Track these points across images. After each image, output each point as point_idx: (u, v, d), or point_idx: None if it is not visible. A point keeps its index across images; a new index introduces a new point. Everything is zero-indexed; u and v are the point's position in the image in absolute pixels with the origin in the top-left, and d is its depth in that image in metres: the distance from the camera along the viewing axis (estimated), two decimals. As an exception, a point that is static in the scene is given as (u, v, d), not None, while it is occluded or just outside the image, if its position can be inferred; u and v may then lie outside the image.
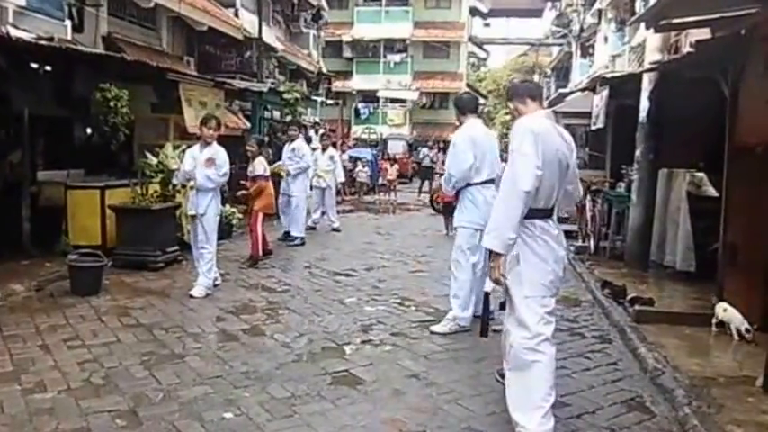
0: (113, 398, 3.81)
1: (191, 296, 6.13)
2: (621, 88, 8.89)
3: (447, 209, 11.46)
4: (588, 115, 10.12)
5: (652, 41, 7.92)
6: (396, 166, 18.44)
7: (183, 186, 6.78)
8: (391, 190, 16.83)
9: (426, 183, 19.65)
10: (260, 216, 7.94)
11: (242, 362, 4.45)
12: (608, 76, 9.37)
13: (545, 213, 3.36)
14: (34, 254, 7.38)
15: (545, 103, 17.58)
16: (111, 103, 7.49)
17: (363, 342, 5.01)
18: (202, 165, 6.32)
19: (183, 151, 7.00)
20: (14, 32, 6.98)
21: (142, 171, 7.59)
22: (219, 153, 6.44)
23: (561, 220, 9.23)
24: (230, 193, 9.08)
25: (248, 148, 8.22)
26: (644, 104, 7.84)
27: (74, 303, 5.86)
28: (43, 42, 7.11)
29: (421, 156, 23.33)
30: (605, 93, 8.83)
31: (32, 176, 7.95)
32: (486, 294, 3.88)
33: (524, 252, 3.29)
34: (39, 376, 4.11)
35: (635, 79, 8.12)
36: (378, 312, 5.89)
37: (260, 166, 8.02)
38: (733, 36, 5.28)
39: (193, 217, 6.41)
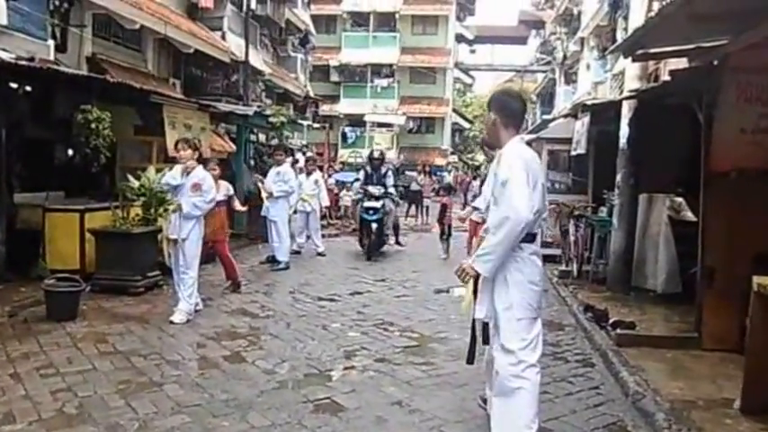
0: (86, 428, 3.72)
1: (171, 322, 6.05)
2: (602, 115, 9.02)
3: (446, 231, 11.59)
4: (571, 141, 10.25)
5: (631, 70, 8.10)
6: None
7: (165, 210, 6.66)
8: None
9: (413, 207, 19.74)
10: (226, 242, 7.80)
11: (222, 390, 4.39)
12: (589, 102, 9.53)
13: (533, 237, 3.41)
14: (9, 278, 7.21)
15: (527, 129, 17.88)
16: (93, 125, 7.41)
17: (346, 368, 4.99)
18: (188, 191, 6.25)
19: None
20: None
21: (123, 194, 7.49)
22: (207, 179, 6.40)
23: (545, 245, 9.32)
24: None
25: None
26: (624, 131, 7.97)
27: (49, 330, 5.73)
28: (22, 62, 7.02)
29: (408, 179, 23.39)
30: (586, 119, 8.97)
31: (9, 198, 7.77)
32: (474, 322, 3.88)
33: (514, 275, 3.31)
34: (8, 406, 3.98)
35: (615, 106, 8.27)
36: (361, 338, 5.87)
37: (224, 188, 7.84)
38: (706, 66, 5.43)
39: (175, 241, 6.32)
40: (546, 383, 4.72)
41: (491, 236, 3.29)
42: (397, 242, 11.97)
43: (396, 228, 11.87)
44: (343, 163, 27.67)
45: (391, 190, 11.07)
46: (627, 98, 7.70)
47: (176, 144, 6.44)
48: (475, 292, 3.49)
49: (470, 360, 3.81)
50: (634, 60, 6.55)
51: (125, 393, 4.27)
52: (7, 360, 4.91)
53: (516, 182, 3.19)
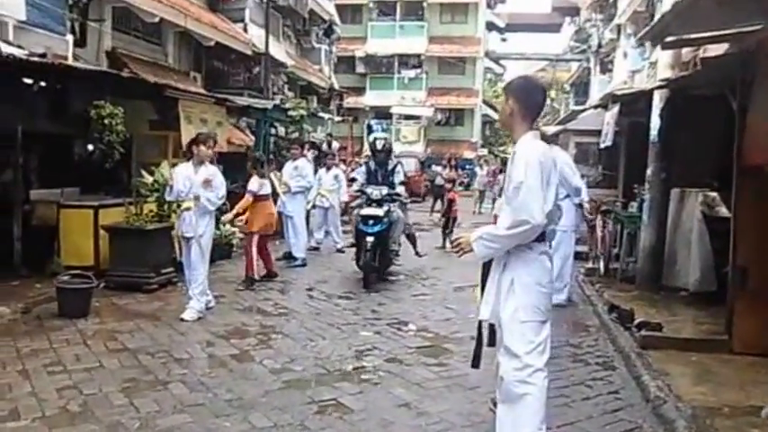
0: (88, 427, 3.71)
1: (182, 320, 6.01)
2: (634, 106, 8.71)
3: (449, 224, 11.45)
4: (600, 133, 9.93)
5: (663, 58, 7.75)
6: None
7: (178, 206, 6.61)
8: (402, 209, 16.67)
9: (439, 202, 19.52)
10: (255, 237, 7.82)
11: (227, 389, 4.33)
12: (618, 92, 9.16)
13: (542, 235, 3.24)
14: (25, 274, 7.26)
15: (558, 120, 17.45)
16: (106, 121, 7.37)
17: (356, 369, 4.86)
18: (199, 186, 6.19)
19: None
20: (5, 48, 6.89)
21: (137, 190, 7.46)
22: (217, 175, 6.35)
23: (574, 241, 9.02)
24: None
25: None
26: (655, 122, 7.65)
27: (60, 327, 5.76)
28: (34, 59, 7.02)
29: (433, 174, 23.15)
30: (615, 110, 8.65)
31: (25, 195, 7.82)
32: (480, 324, 3.72)
33: (521, 276, 3.15)
34: (14, 403, 4.02)
35: (646, 96, 7.94)
36: (374, 338, 5.74)
37: (253, 183, 7.90)
38: (740, 53, 5.11)
39: (186, 239, 6.28)
40: (563, 387, 4.60)
41: (503, 228, 3.14)
42: (417, 253, 9.59)
43: (411, 237, 9.53)
44: (368, 156, 27.48)
45: (400, 190, 8.57)
46: (656, 88, 7.37)
47: (204, 140, 6.31)
48: (482, 290, 3.33)
49: (476, 363, 3.61)
50: (663, 48, 6.23)
51: (129, 391, 4.26)
52: (17, 356, 4.95)
53: (532, 185, 3.04)
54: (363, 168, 8.95)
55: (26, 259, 7.47)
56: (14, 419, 3.80)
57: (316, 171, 10.95)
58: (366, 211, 8.11)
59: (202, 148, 6.28)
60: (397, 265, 8.93)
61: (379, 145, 8.75)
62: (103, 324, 5.93)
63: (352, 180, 9.31)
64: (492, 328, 3.33)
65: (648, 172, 7.77)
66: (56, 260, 7.34)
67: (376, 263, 8.06)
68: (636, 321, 5.93)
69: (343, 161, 13.68)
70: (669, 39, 5.64)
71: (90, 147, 8.52)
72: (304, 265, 9.42)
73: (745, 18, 4.87)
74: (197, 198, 6.16)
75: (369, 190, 8.29)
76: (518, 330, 3.13)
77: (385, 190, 8.26)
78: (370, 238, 7.90)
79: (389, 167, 8.63)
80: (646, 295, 7.36)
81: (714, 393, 4.34)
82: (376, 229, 7.93)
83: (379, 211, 8.02)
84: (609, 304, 6.78)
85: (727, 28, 4.72)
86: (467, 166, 29.38)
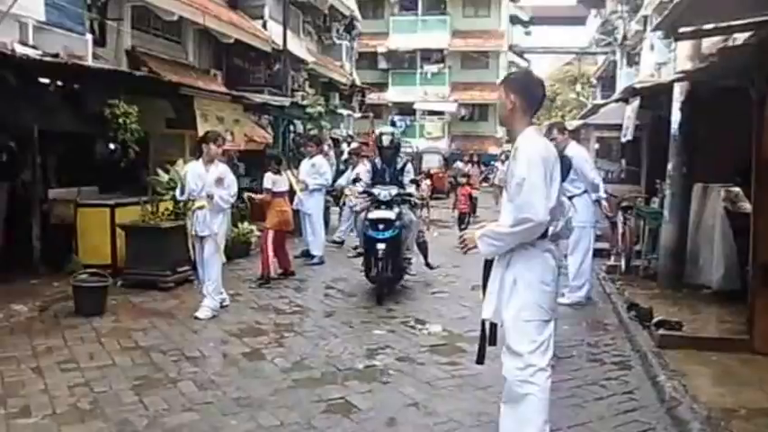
0: (97, 424, 3.77)
1: (196, 318, 6.07)
2: (656, 99, 8.53)
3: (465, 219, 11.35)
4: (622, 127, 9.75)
5: (683, 49, 7.56)
6: (427, 181, 18.19)
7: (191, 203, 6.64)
8: (424, 206, 16.60)
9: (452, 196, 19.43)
10: (270, 234, 7.86)
11: (236, 387, 4.37)
12: (637, 85, 8.98)
13: (545, 233, 3.19)
14: (44, 273, 7.38)
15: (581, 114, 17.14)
16: (120, 120, 7.43)
17: (366, 367, 4.86)
18: (212, 184, 6.23)
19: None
20: (20, 49, 7.01)
21: (153, 188, 7.51)
22: (228, 173, 6.39)
23: (594, 238, 8.89)
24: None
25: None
26: (676, 116, 7.48)
27: (76, 325, 5.86)
28: (47, 58, 7.11)
29: (456, 170, 23.02)
30: (636, 103, 8.48)
31: (44, 194, 7.94)
32: (483, 321, 3.69)
33: (524, 275, 3.11)
34: (26, 400, 4.10)
35: (667, 89, 7.76)
36: (387, 336, 5.73)
37: (267, 180, 7.96)
38: (759, 42, 4.95)
39: (200, 238, 6.30)
40: (576, 387, 4.54)
41: (506, 226, 3.11)
42: (427, 264, 8.42)
43: (423, 245, 8.39)
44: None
45: (411, 190, 7.63)
46: (674, 80, 7.20)
47: (214, 139, 6.35)
48: (484, 288, 3.29)
49: (480, 360, 3.58)
50: (677, 39, 6.07)
51: (140, 389, 4.32)
52: (32, 354, 5.05)
53: (535, 182, 3.00)
54: (368, 167, 8.04)
55: (45, 258, 7.59)
56: (25, 416, 3.88)
57: (339, 169, 10.85)
58: (375, 214, 7.09)
59: (212, 146, 6.29)
60: (411, 275, 7.88)
61: (385, 140, 7.72)
62: (118, 322, 6.03)
63: (357, 180, 8.39)
64: (493, 326, 3.28)
65: (669, 167, 7.60)
66: (74, 259, 7.43)
67: (389, 273, 7.09)
68: (654, 320, 5.82)
69: (366, 157, 13.60)
70: (687, 29, 5.52)
71: (112, 146, 8.62)
72: (322, 262, 9.42)
73: (763, 6, 4.73)
74: (210, 197, 6.19)
75: (376, 191, 7.32)
76: (521, 329, 3.11)
77: (394, 190, 7.32)
78: (381, 246, 6.90)
79: (398, 166, 7.68)
80: (667, 293, 7.21)
81: (732, 394, 4.24)
82: (388, 234, 6.96)
83: (391, 214, 7.04)
84: (628, 302, 6.67)
85: (743, 18, 4.57)
86: (491, 162, 29.12)
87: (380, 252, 6.91)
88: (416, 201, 7.99)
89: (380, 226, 7.01)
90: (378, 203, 7.23)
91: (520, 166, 3.06)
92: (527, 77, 3.44)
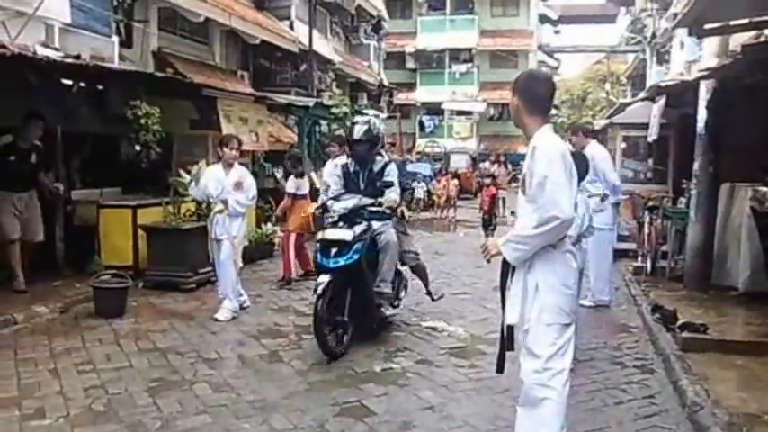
0: (110, 426, 3.79)
1: (215, 319, 6.09)
2: (683, 97, 8.38)
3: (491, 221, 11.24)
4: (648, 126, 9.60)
5: (709, 46, 7.40)
6: (455, 182, 18.16)
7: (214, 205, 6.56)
8: (450, 206, 16.59)
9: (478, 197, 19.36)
10: (292, 236, 7.92)
11: (251, 390, 4.38)
12: (662, 84, 8.82)
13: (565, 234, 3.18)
14: (67, 274, 7.40)
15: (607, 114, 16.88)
16: (142, 121, 7.45)
17: (384, 370, 4.85)
18: (230, 189, 6.24)
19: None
20: (42, 51, 7.06)
21: (175, 189, 7.49)
22: (247, 177, 6.41)
23: (621, 239, 8.78)
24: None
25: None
26: (702, 114, 7.34)
27: (95, 326, 5.88)
28: (68, 60, 7.15)
29: (483, 170, 22.93)
30: (662, 102, 8.34)
31: (68, 195, 7.92)
32: (503, 327, 3.66)
33: (546, 278, 3.08)
34: (41, 402, 4.12)
35: (693, 88, 7.62)
36: (405, 338, 5.71)
37: (290, 185, 8.03)
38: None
39: (218, 241, 6.30)
40: (596, 390, 4.49)
41: (530, 228, 3.05)
42: (429, 293, 6.49)
43: (419, 270, 6.38)
44: (420, 153, 27.45)
45: (390, 198, 5.58)
46: (699, 78, 7.05)
47: (226, 142, 6.35)
48: (502, 294, 3.27)
49: (500, 369, 3.55)
50: (699, 37, 5.96)
51: (154, 391, 4.33)
52: (50, 355, 5.09)
53: (558, 180, 2.97)
54: (337, 170, 6.04)
55: (68, 259, 7.61)
56: (40, 418, 3.89)
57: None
58: (326, 234, 5.29)
59: (226, 150, 6.28)
60: (396, 314, 6.07)
61: (357, 132, 5.69)
62: (138, 324, 6.05)
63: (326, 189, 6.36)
64: (510, 330, 3.25)
65: (695, 166, 7.46)
66: (96, 260, 7.44)
67: (342, 316, 5.15)
68: (679, 322, 5.72)
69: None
70: (712, 26, 5.42)
71: (137, 147, 8.75)
72: (345, 263, 9.39)
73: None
74: (225, 202, 6.19)
75: (329, 202, 5.59)
76: (542, 332, 3.08)
77: (360, 200, 5.45)
78: (324, 278, 5.02)
79: (375, 167, 5.76)
80: (694, 295, 7.09)
81: (755, 399, 4.15)
82: (341, 262, 5.10)
83: (346, 234, 5.17)
84: (653, 304, 6.56)
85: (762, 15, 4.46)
86: (520, 162, 28.95)
87: (324, 286, 4.97)
88: (391, 213, 5.65)
89: (332, 251, 5.15)
90: (334, 220, 5.42)
91: (539, 165, 3.02)
92: (528, 77, 3.43)
